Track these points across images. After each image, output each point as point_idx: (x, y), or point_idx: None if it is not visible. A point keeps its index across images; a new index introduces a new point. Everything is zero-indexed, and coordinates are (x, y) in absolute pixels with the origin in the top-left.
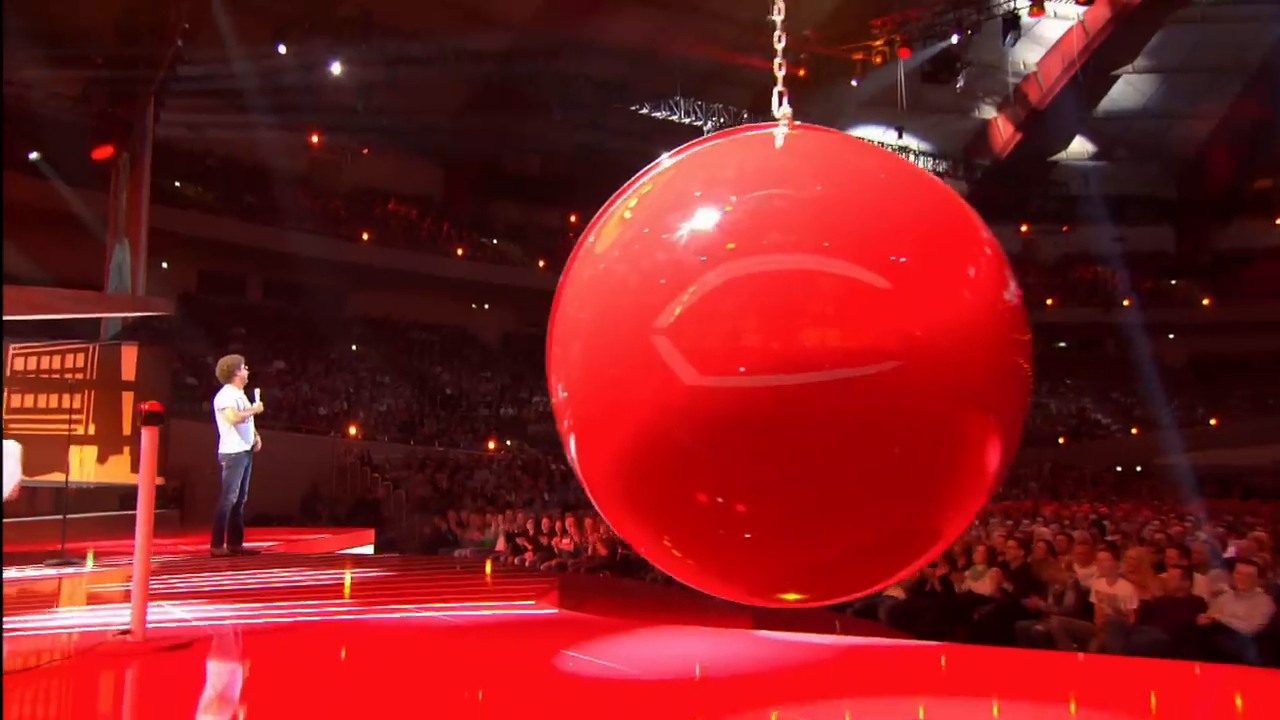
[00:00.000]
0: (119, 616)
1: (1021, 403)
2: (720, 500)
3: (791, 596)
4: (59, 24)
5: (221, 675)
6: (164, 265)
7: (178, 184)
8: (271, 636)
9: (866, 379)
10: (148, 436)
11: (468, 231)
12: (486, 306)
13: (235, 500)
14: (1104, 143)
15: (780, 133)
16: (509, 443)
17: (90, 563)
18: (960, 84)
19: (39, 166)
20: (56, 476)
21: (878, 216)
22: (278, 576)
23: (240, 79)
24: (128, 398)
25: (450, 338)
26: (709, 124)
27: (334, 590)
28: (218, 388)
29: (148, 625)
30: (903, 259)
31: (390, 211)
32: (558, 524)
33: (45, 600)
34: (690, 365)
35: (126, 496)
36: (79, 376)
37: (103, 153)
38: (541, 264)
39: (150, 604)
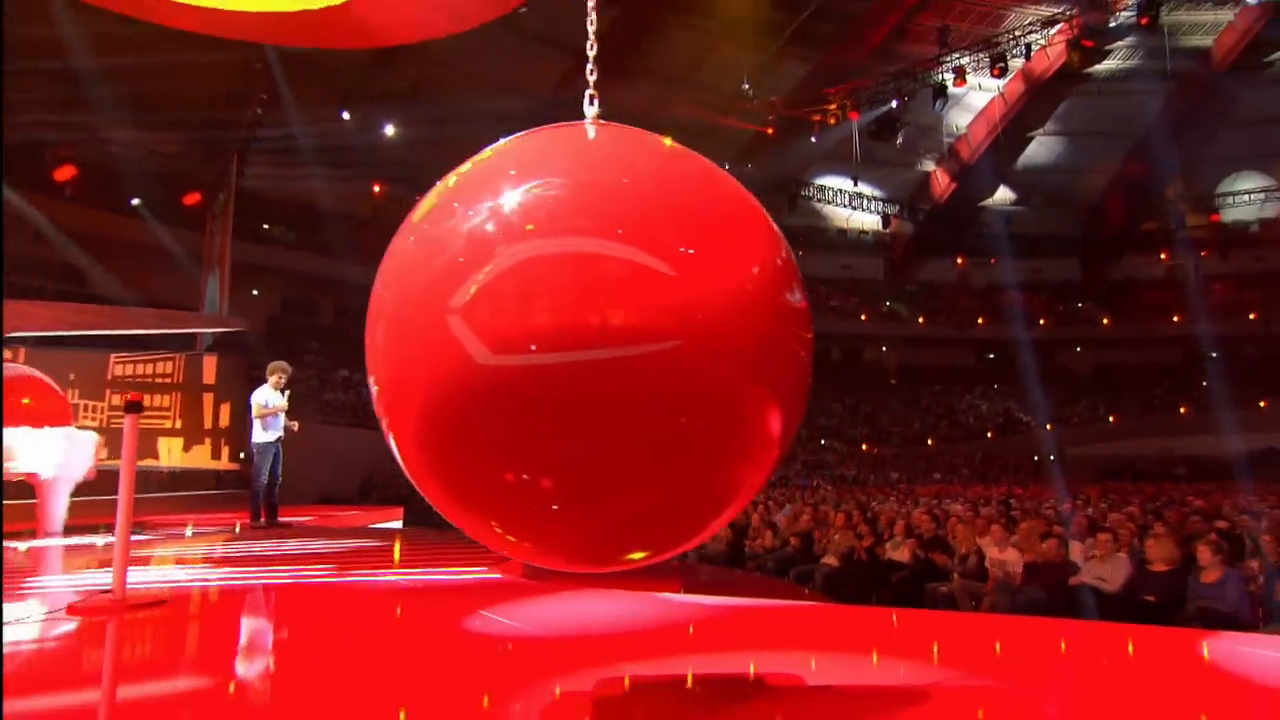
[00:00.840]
0: (167, 576)
1: (799, 384)
2: (525, 476)
3: (613, 562)
4: (158, 94)
5: (170, 628)
6: (254, 292)
7: (265, 226)
8: (232, 597)
9: (649, 356)
10: (129, 423)
11: None
12: None
13: (266, 482)
14: (1022, 191)
15: (591, 128)
16: None
17: (190, 531)
18: (900, 140)
19: (139, 210)
20: (149, 462)
21: (671, 210)
22: (292, 547)
23: (312, 139)
24: (208, 399)
25: None
26: None
27: (328, 556)
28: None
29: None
30: (690, 250)
31: None
32: None
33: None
34: (483, 344)
35: (219, 478)
36: (168, 380)
37: (192, 199)
38: None
39: (172, 567)
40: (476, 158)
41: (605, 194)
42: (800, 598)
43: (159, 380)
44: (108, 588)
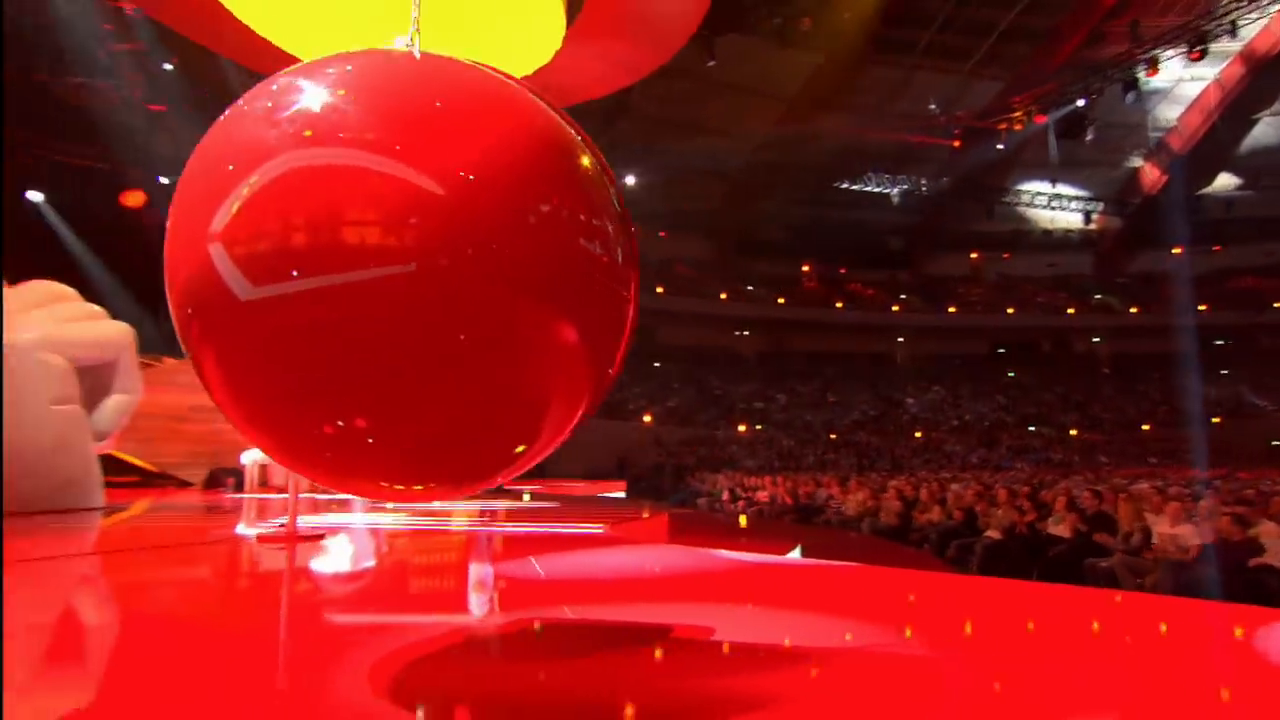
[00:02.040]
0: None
1: (603, 316)
2: (316, 411)
3: (421, 487)
4: None
5: (302, 555)
6: None
7: None
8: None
9: (416, 273)
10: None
11: (729, 282)
12: (746, 333)
13: None
14: (1249, 175)
15: (418, 54)
16: (757, 427)
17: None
18: (1090, 137)
19: None
20: None
21: (467, 136)
22: (490, 505)
23: None
24: None
25: (720, 355)
26: (895, 192)
27: (500, 513)
28: None
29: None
30: (471, 176)
31: (678, 272)
32: (756, 480)
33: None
34: (244, 277)
35: None
36: None
37: None
38: (781, 300)
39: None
40: (294, 67)
41: (402, 112)
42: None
43: None
44: (284, 525)
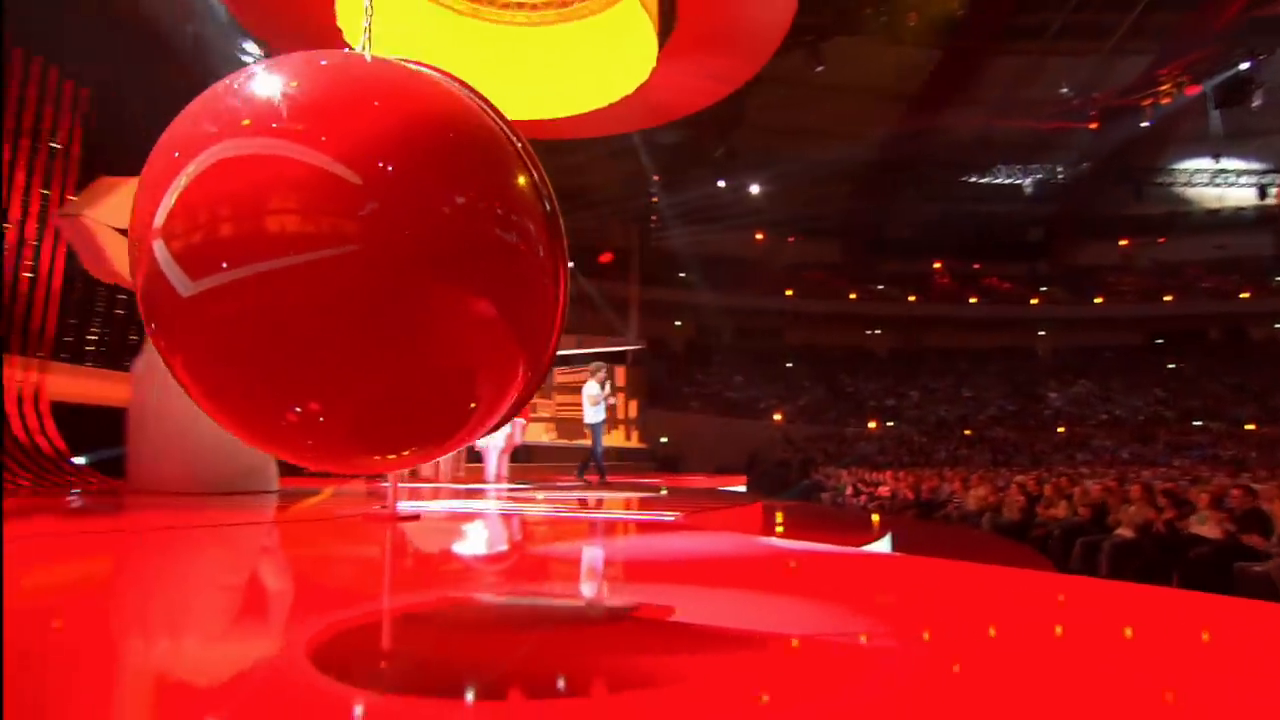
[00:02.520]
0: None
1: (525, 300)
2: (276, 397)
3: (375, 458)
4: (570, 187)
5: (392, 533)
6: (677, 323)
7: (681, 275)
8: (463, 517)
9: (335, 258)
10: None
11: (859, 282)
12: (878, 331)
13: (597, 450)
14: None
15: (368, 56)
16: (889, 423)
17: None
18: (1258, 102)
19: (572, 267)
20: (579, 442)
21: (391, 129)
22: (586, 495)
23: (700, 203)
24: (620, 397)
25: (851, 354)
26: (1028, 182)
27: (590, 503)
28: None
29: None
30: (390, 166)
31: (806, 276)
32: (878, 475)
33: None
34: (184, 274)
35: (632, 453)
36: None
37: (606, 258)
38: (912, 298)
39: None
40: (256, 63)
41: (334, 107)
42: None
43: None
44: (385, 506)
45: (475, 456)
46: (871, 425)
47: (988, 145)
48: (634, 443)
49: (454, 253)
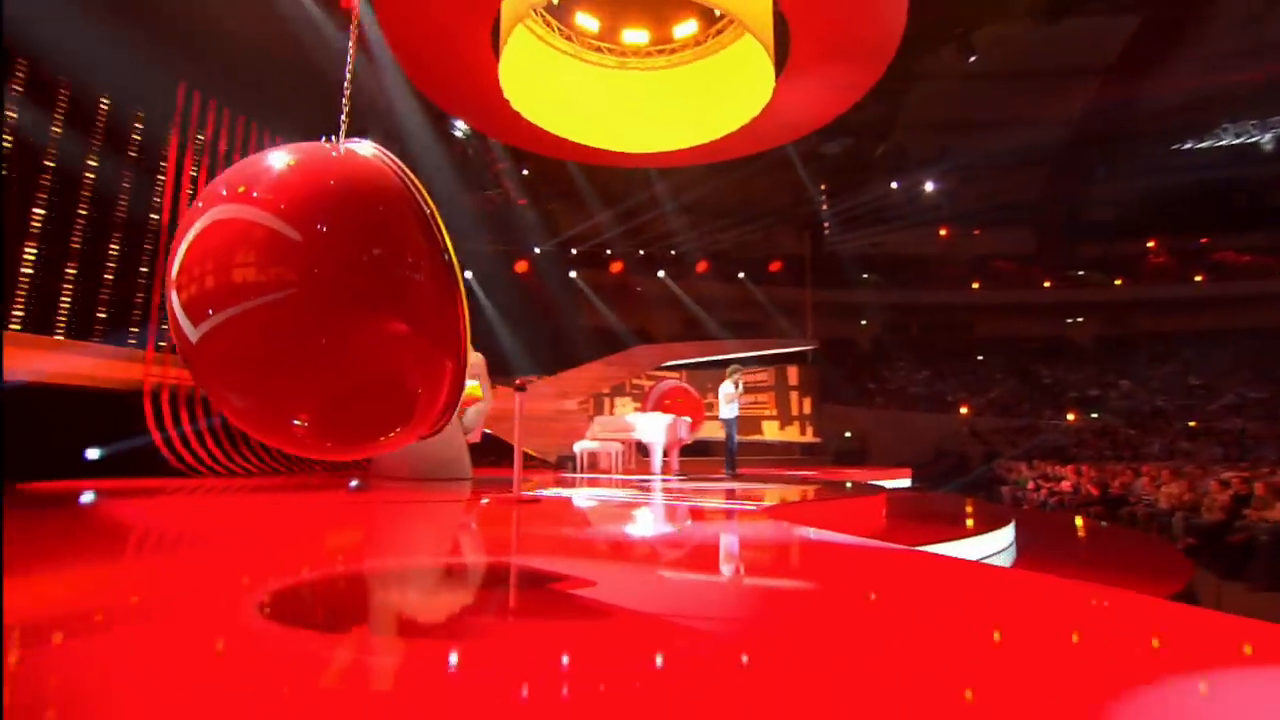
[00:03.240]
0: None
1: (428, 329)
2: (267, 408)
3: (354, 447)
4: (742, 200)
5: (509, 509)
6: (863, 323)
7: (865, 275)
8: (569, 503)
9: (282, 299)
10: (518, 399)
11: (1054, 269)
12: (1079, 319)
13: (731, 444)
14: None
15: (342, 147)
16: (1092, 415)
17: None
18: None
19: (742, 280)
20: (757, 436)
21: (333, 201)
22: (708, 485)
23: (874, 207)
24: (793, 395)
25: (1049, 344)
26: (1268, 138)
27: (712, 492)
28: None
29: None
30: (324, 227)
31: (995, 267)
32: (1060, 469)
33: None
34: (189, 321)
35: (808, 448)
36: (766, 384)
37: (776, 266)
38: (1118, 282)
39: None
40: (260, 152)
41: (292, 184)
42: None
43: (760, 384)
44: (510, 490)
45: (643, 450)
46: (1070, 417)
47: (1207, 106)
48: (809, 437)
49: (373, 290)
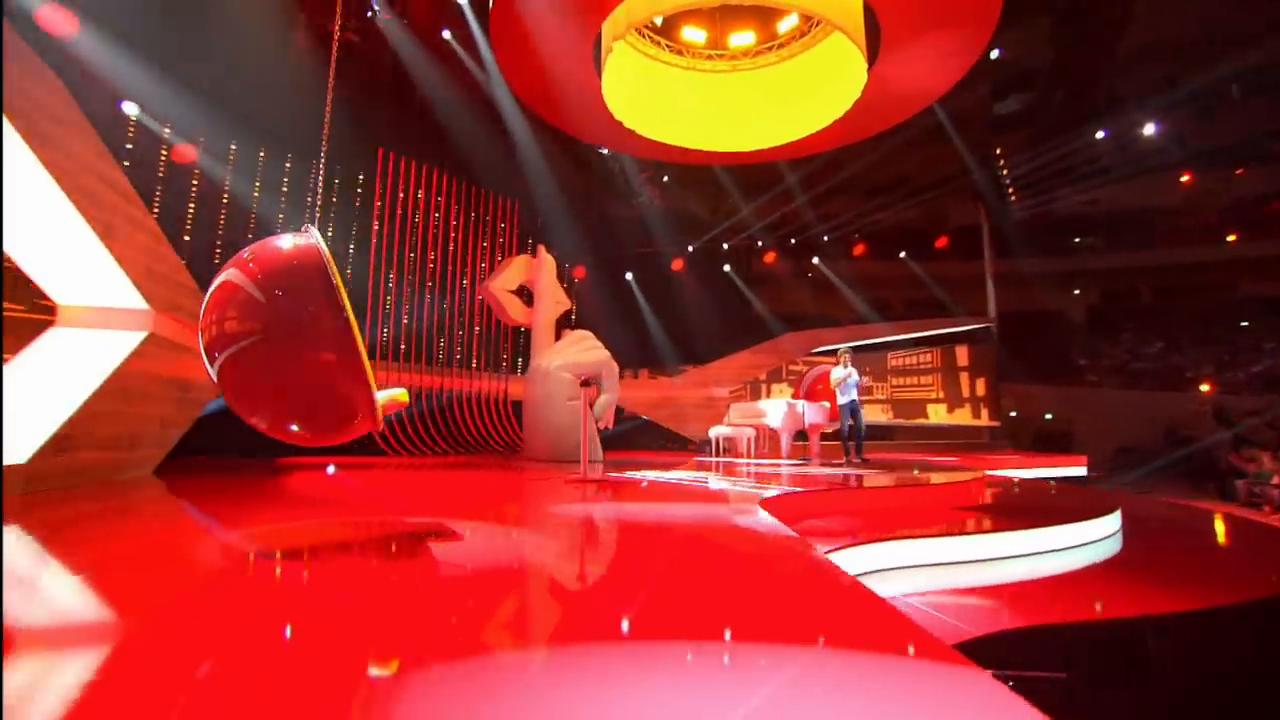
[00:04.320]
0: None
1: (326, 358)
2: (253, 417)
3: (329, 438)
4: (892, 178)
5: (573, 490)
6: (1075, 291)
7: (1076, 240)
8: (633, 483)
9: (254, 344)
10: (584, 394)
11: None
12: None
13: (849, 430)
14: None
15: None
16: None
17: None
18: None
19: (904, 259)
20: (921, 420)
21: (285, 271)
22: (806, 471)
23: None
24: (963, 376)
25: None
26: None
27: (776, 478)
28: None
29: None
30: (280, 291)
31: (1269, 211)
32: None
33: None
34: (208, 361)
35: (991, 432)
36: (930, 365)
37: (941, 242)
38: None
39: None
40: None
41: (266, 258)
42: None
43: (923, 366)
44: (578, 474)
45: (802, 435)
46: None
47: None
48: (983, 420)
49: (309, 334)
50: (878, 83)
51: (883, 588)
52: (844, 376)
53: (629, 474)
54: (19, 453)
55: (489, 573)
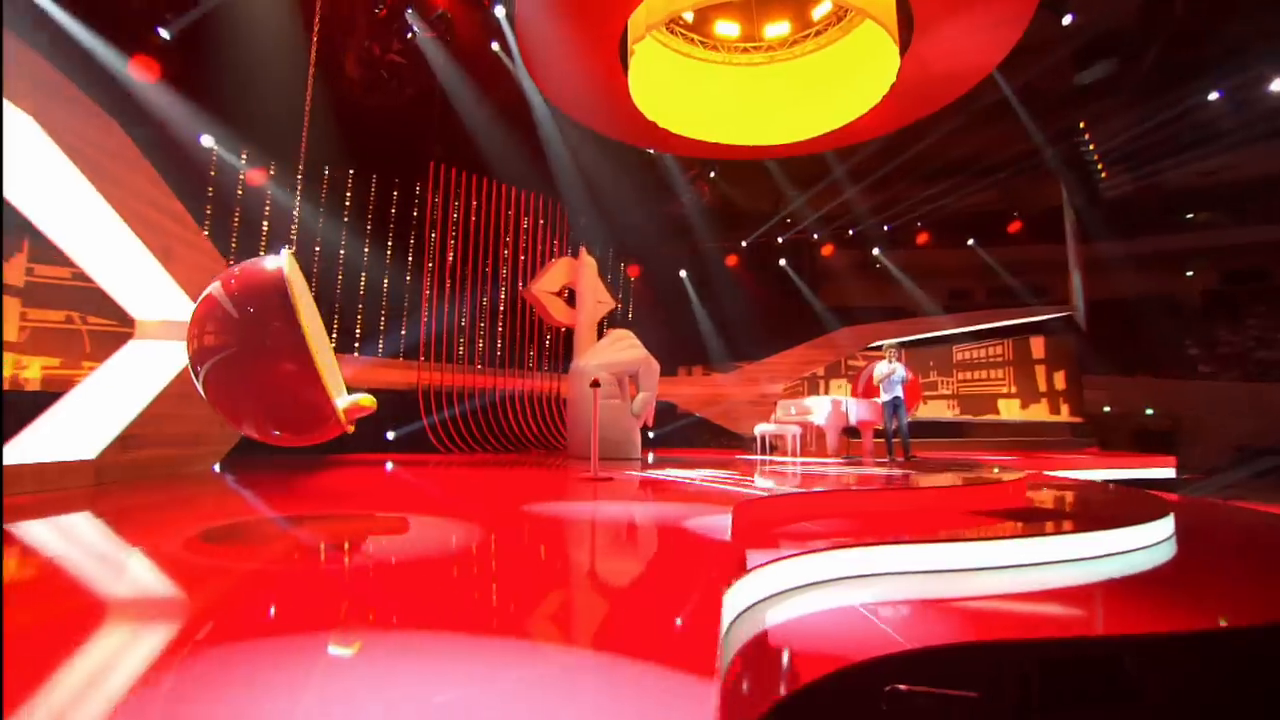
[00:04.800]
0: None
1: (287, 368)
2: (233, 418)
3: (306, 439)
4: (955, 160)
5: (589, 486)
6: (1189, 274)
7: (1189, 215)
8: (663, 483)
9: (230, 355)
10: (593, 395)
11: None
12: None
13: (893, 429)
14: None
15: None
16: None
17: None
18: None
19: (972, 245)
20: (988, 417)
21: (251, 294)
22: (840, 472)
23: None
24: (1040, 369)
25: None
26: None
27: (821, 479)
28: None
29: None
30: (251, 309)
31: None
32: None
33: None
34: (193, 373)
35: (1073, 429)
36: (1000, 359)
37: (1015, 227)
38: None
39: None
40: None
41: (243, 279)
42: None
43: (992, 359)
44: (590, 471)
45: (853, 432)
46: None
47: None
48: (1063, 416)
49: (275, 346)
50: (917, 64)
51: (832, 595)
52: (887, 373)
53: (652, 473)
54: (89, 449)
55: (374, 564)
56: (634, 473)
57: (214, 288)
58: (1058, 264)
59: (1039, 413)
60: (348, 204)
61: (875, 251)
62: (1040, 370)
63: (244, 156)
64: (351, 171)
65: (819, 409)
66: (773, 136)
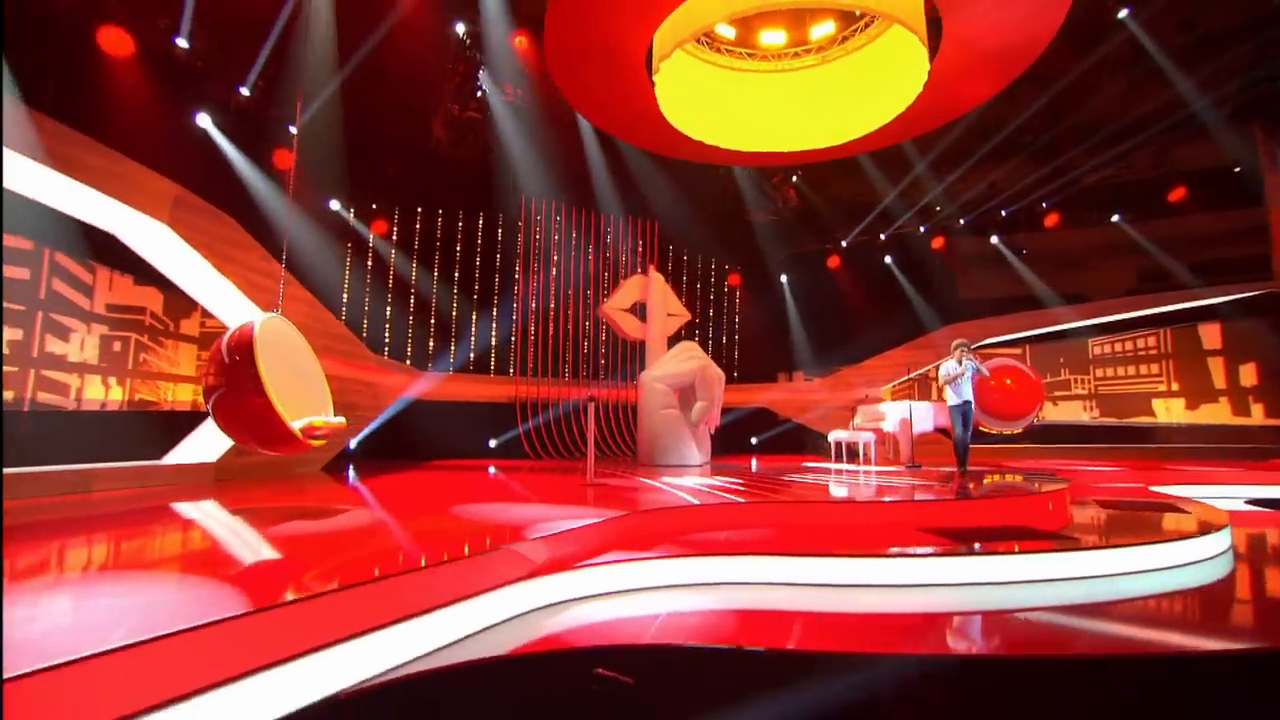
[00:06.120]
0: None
1: (258, 402)
2: (243, 437)
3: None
4: (1099, 117)
5: (605, 490)
6: None
7: None
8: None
9: (225, 388)
10: (590, 409)
11: None
12: None
13: (959, 435)
14: None
15: (276, 315)
16: None
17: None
18: None
19: (1117, 220)
20: (1141, 419)
21: (239, 342)
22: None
23: None
24: (1214, 362)
25: None
26: None
27: (858, 489)
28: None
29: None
30: (237, 358)
31: None
32: None
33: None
34: (205, 402)
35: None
36: (1154, 352)
37: (1179, 193)
38: None
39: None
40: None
41: (237, 332)
42: None
43: (1141, 353)
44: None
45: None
46: None
47: None
48: (1255, 419)
49: (249, 386)
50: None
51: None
52: (955, 374)
53: (691, 478)
54: (211, 453)
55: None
56: (668, 479)
57: (221, 340)
58: (1240, 233)
59: (1215, 414)
60: (459, 244)
61: (994, 240)
62: (1217, 363)
63: (353, 215)
64: (446, 213)
65: (891, 415)
66: (848, 133)
